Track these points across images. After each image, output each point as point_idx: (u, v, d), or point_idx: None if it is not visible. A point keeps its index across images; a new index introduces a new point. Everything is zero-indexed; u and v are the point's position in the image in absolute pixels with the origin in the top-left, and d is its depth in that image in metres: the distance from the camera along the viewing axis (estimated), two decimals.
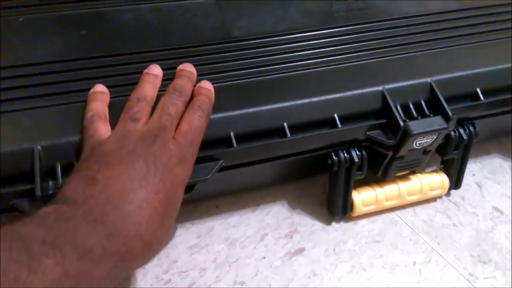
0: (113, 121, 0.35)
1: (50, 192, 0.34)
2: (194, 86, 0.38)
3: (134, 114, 0.34)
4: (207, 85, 0.38)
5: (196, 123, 0.35)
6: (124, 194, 0.29)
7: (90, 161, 0.31)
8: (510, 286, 0.43)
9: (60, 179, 0.34)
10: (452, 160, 0.47)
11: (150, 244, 0.30)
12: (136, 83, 0.38)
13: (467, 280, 0.43)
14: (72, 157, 0.35)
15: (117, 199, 0.29)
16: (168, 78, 0.39)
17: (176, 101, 0.35)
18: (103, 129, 0.34)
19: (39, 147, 0.34)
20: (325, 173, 0.45)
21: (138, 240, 0.29)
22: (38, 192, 0.33)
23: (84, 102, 0.37)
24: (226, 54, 0.42)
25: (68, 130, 0.35)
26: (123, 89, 0.38)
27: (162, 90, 0.37)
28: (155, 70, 0.39)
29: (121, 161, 0.31)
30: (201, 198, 0.48)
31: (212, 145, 0.38)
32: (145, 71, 0.39)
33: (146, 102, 0.36)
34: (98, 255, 0.27)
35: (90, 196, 0.29)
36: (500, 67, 0.44)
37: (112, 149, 0.32)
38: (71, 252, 0.25)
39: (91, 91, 0.37)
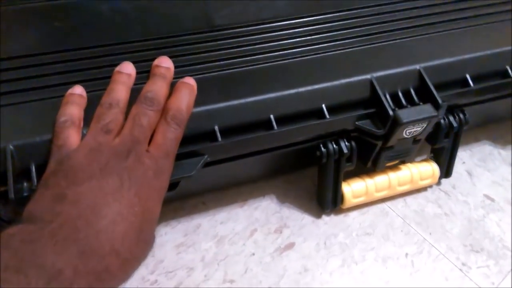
0: (87, 119, 0.34)
1: (25, 194, 0.32)
2: (174, 80, 0.37)
3: (106, 125, 0.32)
4: (189, 81, 0.36)
5: (170, 135, 0.33)
6: (96, 209, 0.27)
7: (58, 176, 0.29)
8: (503, 275, 0.42)
9: (35, 180, 0.32)
10: (442, 149, 0.46)
11: (127, 260, 0.28)
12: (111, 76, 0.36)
13: (460, 270, 0.43)
14: (46, 156, 0.33)
15: (89, 214, 0.27)
16: (146, 71, 0.37)
17: (148, 111, 0.33)
18: (74, 137, 0.32)
19: (11, 146, 0.32)
20: (314, 165, 0.44)
21: (114, 257, 0.27)
22: (12, 195, 0.31)
23: (60, 98, 0.35)
24: (209, 43, 0.40)
25: (42, 128, 0.33)
26: (99, 83, 0.36)
27: (140, 83, 0.36)
28: (128, 69, 0.36)
29: (92, 176, 0.29)
30: (187, 195, 0.46)
31: (195, 139, 0.36)
32: (117, 69, 0.36)
33: (119, 108, 0.33)
34: (70, 276, 0.24)
35: (59, 213, 0.27)
36: (489, 52, 0.43)
37: (82, 163, 0.29)
38: (37, 276, 0.23)
39: (69, 92, 0.35)
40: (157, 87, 0.35)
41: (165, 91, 0.35)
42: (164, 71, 0.36)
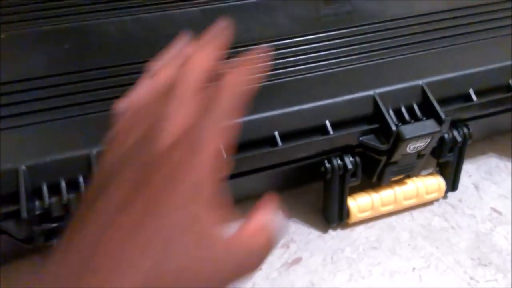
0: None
1: (37, 212, 0.33)
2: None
3: None
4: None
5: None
6: None
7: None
8: None
9: (46, 199, 0.33)
10: (447, 162, 0.47)
11: None
12: (120, 96, 0.37)
13: (468, 284, 0.42)
14: (57, 175, 0.34)
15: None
16: None
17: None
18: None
19: (23, 167, 0.33)
20: (319, 180, 0.45)
21: None
22: (24, 214, 0.32)
23: (68, 119, 0.36)
24: None
25: (53, 148, 0.35)
26: (109, 103, 0.37)
27: None
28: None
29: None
30: None
31: None
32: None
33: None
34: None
35: None
36: (491, 67, 0.44)
37: None
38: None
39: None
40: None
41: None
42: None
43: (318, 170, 0.42)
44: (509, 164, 0.54)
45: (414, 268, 0.43)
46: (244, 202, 0.48)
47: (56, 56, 0.40)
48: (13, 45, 0.40)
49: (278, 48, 0.43)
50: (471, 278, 0.43)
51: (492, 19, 0.47)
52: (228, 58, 0.41)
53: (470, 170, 0.53)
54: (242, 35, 0.43)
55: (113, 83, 0.39)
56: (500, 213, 0.49)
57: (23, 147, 0.34)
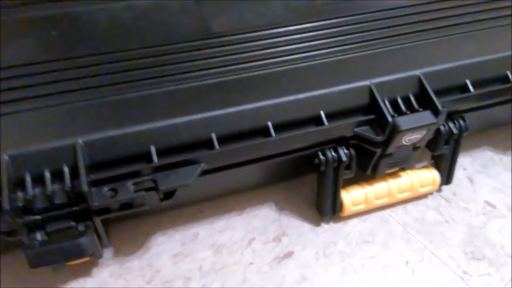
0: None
1: (20, 204, 0.32)
2: (175, 87, 0.35)
3: None
4: None
5: None
6: None
7: None
8: (504, 283, 0.42)
9: (30, 190, 0.32)
10: (442, 155, 0.46)
11: None
12: (108, 84, 0.35)
13: (461, 278, 0.42)
14: (42, 166, 0.32)
15: None
16: (142, 79, 0.37)
17: None
18: None
19: (6, 157, 0.32)
20: (313, 172, 0.44)
21: None
22: (6, 205, 0.31)
23: (55, 107, 0.34)
24: (206, 51, 0.40)
25: (37, 138, 0.33)
26: (96, 91, 0.36)
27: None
28: None
29: None
30: (184, 204, 0.46)
31: (192, 147, 0.36)
32: None
33: None
34: None
35: None
36: (489, 57, 0.43)
37: None
38: None
39: None
40: None
41: None
42: None
43: (312, 162, 0.41)
44: (504, 157, 0.53)
45: (407, 262, 0.43)
46: (236, 194, 0.47)
47: (42, 43, 0.38)
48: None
49: (272, 36, 0.42)
50: (464, 273, 0.42)
51: (490, 9, 0.47)
52: (227, 45, 0.40)
53: (465, 164, 0.52)
54: (236, 24, 0.42)
55: (101, 70, 0.37)
56: (494, 206, 0.48)
57: (6, 136, 0.33)
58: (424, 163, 0.48)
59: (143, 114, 0.36)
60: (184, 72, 0.38)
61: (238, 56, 0.40)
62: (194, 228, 0.44)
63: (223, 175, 0.39)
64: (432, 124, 0.39)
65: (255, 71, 0.40)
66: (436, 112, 0.39)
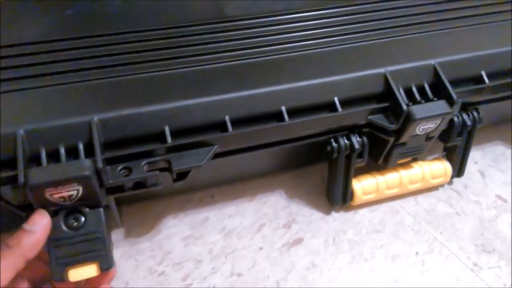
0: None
1: None
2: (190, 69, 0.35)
3: None
4: None
5: None
6: None
7: None
8: None
9: (45, 164, 0.32)
10: (455, 147, 0.46)
11: None
12: (123, 64, 0.35)
13: (471, 270, 0.42)
14: (57, 142, 0.32)
15: None
16: (155, 59, 0.37)
17: None
18: None
19: (22, 131, 0.32)
20: (324, 161, 0.44)
21: None
22: (22, 179, 0.31)
23: (70, 84, 0.35)
24: (220, 34, 0.40)
25: (53, 113, 0.33)
26: (111, 70, 0.36)
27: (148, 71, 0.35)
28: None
29: None
30: (195, 188, 0.46)
31: (206, 129, 0.36)
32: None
33: None
34: None
35: None
36: (505, 49, 0.43)
37: None
38: None
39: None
40: None
41: None
42: None
43: (323, 150, 0.41)
44: None
45: (417, 253, 0.43)
46: (247, 180, 0.47)
47: (59, 22, 0.39)
48: (16, 8, 0.39)
49: (287, 22, 0.42)
50: (475, 265, 0.42)
51: (508, 1, 0.46)
52: (242, 29, 0.40)
53: (477, 157, 0.52)
54: (250, 8, 0.42)
55: (116, 50, 0.38)
56: (505, 200, 0.48)
57: (23, 111, 0.33)
58: (436, 155, 0.48)
59: (157, 95, 0.36)
60: (199, 55, 0.38)
61: (252, 40, 0.40)
62: (204, 212, 0.44)
63: (234, 160, 0.39)
64: (447, 113, 0.39)
65: (270, 55, 0.40)
66: (451, 102, 0.39)
